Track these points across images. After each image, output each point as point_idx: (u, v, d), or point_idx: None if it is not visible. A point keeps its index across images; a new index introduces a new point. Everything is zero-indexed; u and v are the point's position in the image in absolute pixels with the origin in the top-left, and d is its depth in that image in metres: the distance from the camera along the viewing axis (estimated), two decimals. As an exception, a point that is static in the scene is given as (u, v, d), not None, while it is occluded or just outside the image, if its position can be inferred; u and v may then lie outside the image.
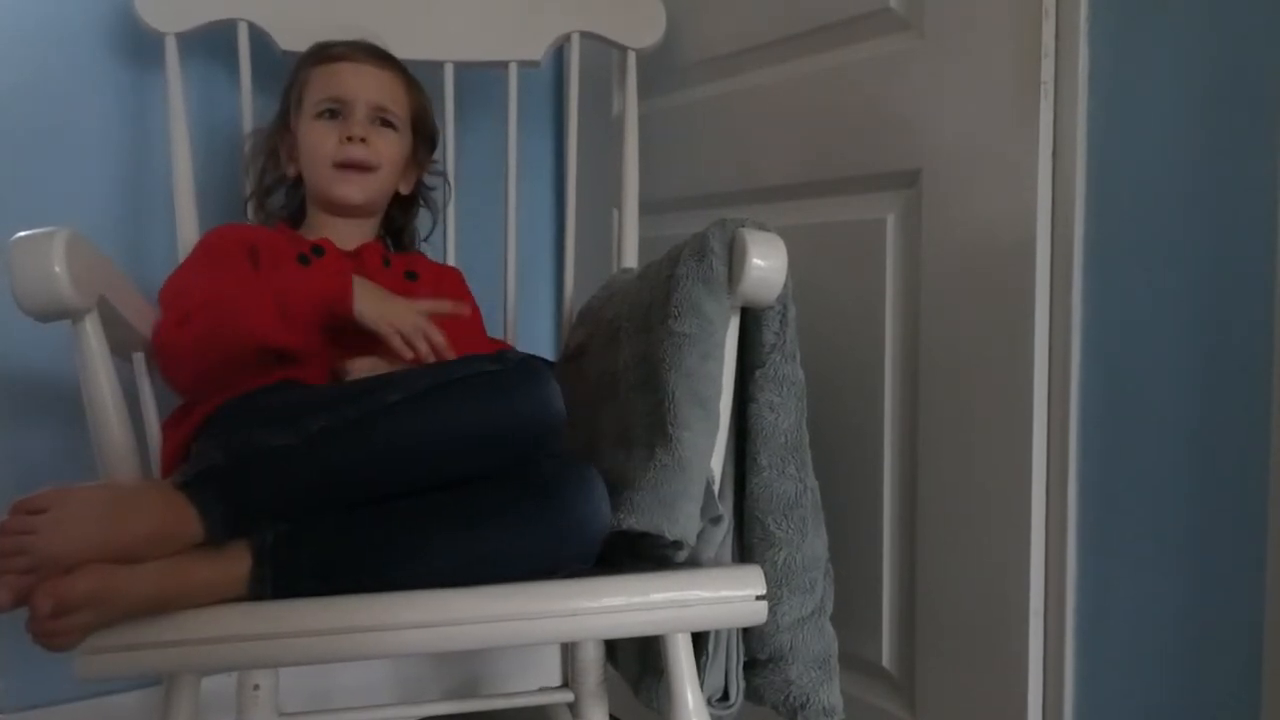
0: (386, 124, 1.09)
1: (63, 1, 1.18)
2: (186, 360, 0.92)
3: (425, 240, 1.22)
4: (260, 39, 1.15)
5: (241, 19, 1.14)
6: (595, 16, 1.23)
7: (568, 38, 1.24)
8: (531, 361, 0.81)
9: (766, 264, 0.83)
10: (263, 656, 0.68)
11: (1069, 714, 0.90)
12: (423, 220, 1.21)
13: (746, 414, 0.89)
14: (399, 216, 1.18)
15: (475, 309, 1.16)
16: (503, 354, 0.81)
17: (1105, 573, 0.88)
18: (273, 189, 1.14)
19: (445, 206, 1.21)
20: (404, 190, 1.15)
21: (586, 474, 0.81)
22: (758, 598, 0.81)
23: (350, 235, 1.10)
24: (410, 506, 0.77)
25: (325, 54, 1.09)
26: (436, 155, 1.19)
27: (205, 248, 1.04)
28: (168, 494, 0.73)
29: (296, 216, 1.13)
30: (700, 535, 0.83)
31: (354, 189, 1.07)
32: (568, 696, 1.18)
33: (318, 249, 1.06)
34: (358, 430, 0.76)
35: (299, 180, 1.12)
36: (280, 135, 1.12)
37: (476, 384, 0.78)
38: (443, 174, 1.20)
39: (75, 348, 0.79)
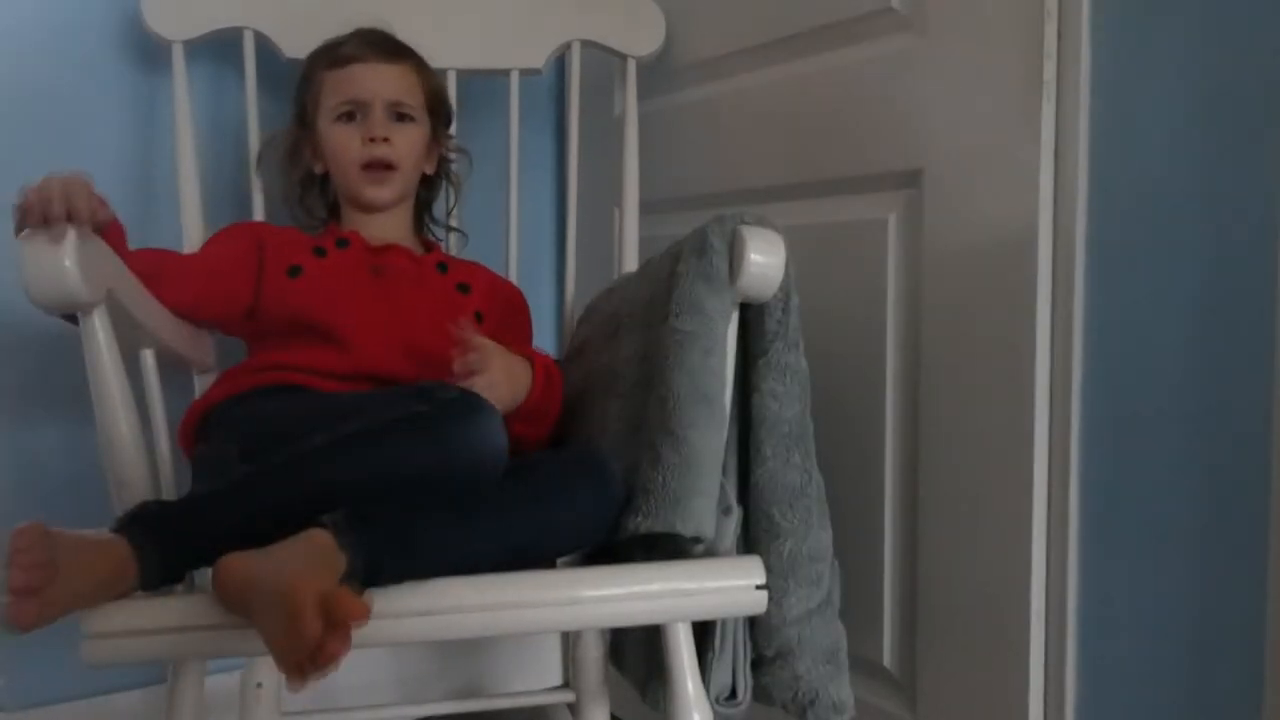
0: (404, 117, 1.11)
1: (74, 9, 1.19)
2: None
3: (450, 214, 1.24)
4: (266, 46, 1.17)
5: (247, 28, 1.16)
6: (596, 25, 1.25)
7: (569, 46, 1.25)
8: (461, 400, 0.81)
9: (764, 260, 0.84)
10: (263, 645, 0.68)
11: (1070, 714, 0.90)
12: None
13: (750, 404, 0.90)
14: (425, 194, 1.21)
15: (525, 327, 1.18)
16: (432, 392, 0.82)
17: (1107, 572, 0.88)
18: (307, 188, 1.16)
19: (466, 179, 1.23)
20: (428, 170, 1.18)
21: (595, 467, 0.84)
22: (758, 587, 0.81)
23: (384, 226, 1.13)
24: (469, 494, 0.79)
25: (336, 56, 1.11)
26: (453, 130, 1.22)
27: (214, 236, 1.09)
28: (109, 541, 0.73)
29: (334, 211, 1.16)
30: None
31: (383, 190, 1.11)
32: (569, 696, 1.18)
33: (342, 241, 1.09)
34: (281, 476, 0.77)
35: (327, 175, 1.15)
36: (301, 135, 1.14)
37: (402, 427, 0.79)
38: (461, 148, 1.22)
39: (83, 341, 0.80)
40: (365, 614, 0.64)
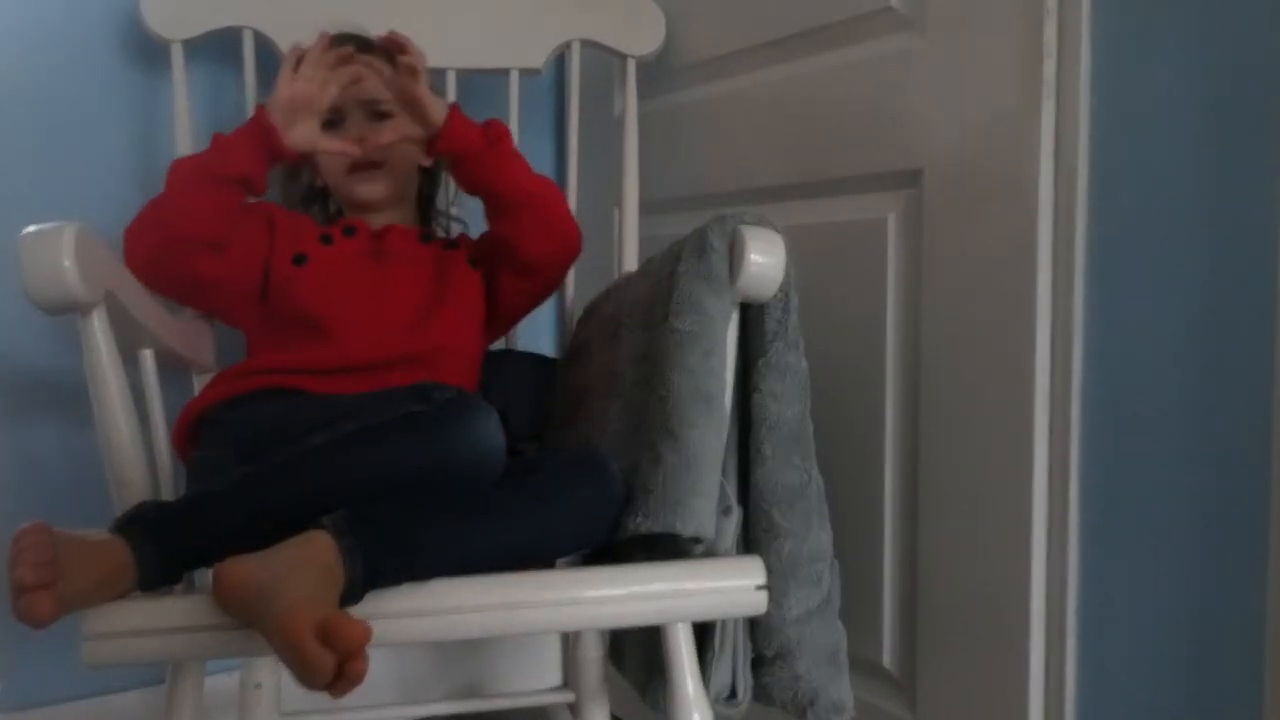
0: (383, 114, 1.09)
1: (73, 9, 1.19)
2: (133, 245, 0.96)
3: (451, 203, 1.25)
4: (265, 45, 1.17)
5: (246, 27, 1.16)
6: (595, 25, 1.25)
7: (568, 46, 1.25)
8: (459, 400, 0.82)
9: (765, 260, 0.84)
10: (264, 645, 0.68)
11: (1070, 714, 0.90)
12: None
13: (750, 404, 0.90)
14: (427, 186, 1.21)
15: None
16: (430, 392, 0.82)
17: (1107, 573, 0.88)
18: (309, 203, 1.17)
19: None
20: (424, 162, 1.17)
21: (595, 467, 0.84)
22: (758, 587, 0.82)
23: (388, 221, 1.13)
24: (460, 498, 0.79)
25: None
26: None
27: None
28: (108, 541, 0.74)
29: (336, 217, 1.17)
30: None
31: (375, 187, 1.11)
32: (569, 696, 1.18)
33: (349, 229, 1.10)
34: (280, 476, 0.78)
35: (327, 187, 1.15)
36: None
37: (400, 427, 0.79)
38: None
39: (82, 341, 0.80)
40: (368, 635, 0.64)
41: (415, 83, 1.02)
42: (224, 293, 1.04)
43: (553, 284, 1.14)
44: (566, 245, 1.09)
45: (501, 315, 1.13)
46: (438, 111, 1.02)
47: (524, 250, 1.06)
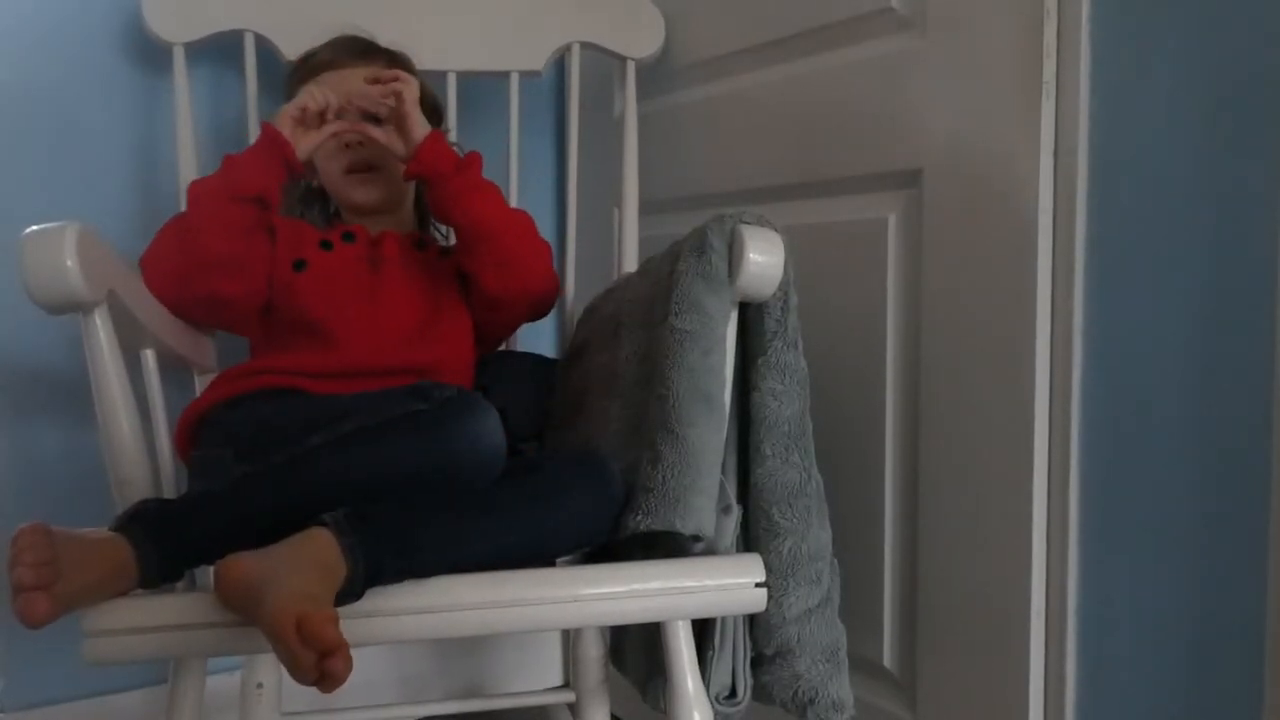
0: (380, 122, 1.08)
1: (75, 11, 1.20)
2: (153, 270, 0.96)
3: None
4: (267, 48, 1.17)
5: (248, 30, 1.16)
6: (595, 27, 1.25)
7: (568, 48, 1.25)
8: (459, 400, 0.82)
9: (764, 259, 0.84)
10: (264, 642, 0.68)
11: (1070, 714, 0.90)
12: None
13: (749, 403, 0.90)
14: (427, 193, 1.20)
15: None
16: (429, 392, 0.82)
17: (1107, 572, 0.88)
18: (308, 204, 1.17)
19: None
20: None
21: (595, 467, 0.84)
22: (757, 585, 0.82)
23: (385, 225, 1.13)
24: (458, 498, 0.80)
25: (309, 67, 1.11)
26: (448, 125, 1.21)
27: None
28: (109, 539, 0.74)
29: (337, 220, 1.16)
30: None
31: (369, 190, 1.11)
32: (569, 696, 1.18)
33: (348, 235, 1.09)
34: (281, 475, 0.78)
35: (324, 188, 1.15)
36: None
37: (400, 426, 0.79)
38: (457, 144, 1.20)
39: (84, 341, 0.80)
40: (336, 639, 0.64)
41: (402, 102, 1.03)
42: (242, 309, 1.03)
43: (521, 318, 1.13)
44: (529, 285, 1.08)
45: (482, 338, 1.13)
46: (419, 132, 1.03)
47: (482, 285, 1.06)
